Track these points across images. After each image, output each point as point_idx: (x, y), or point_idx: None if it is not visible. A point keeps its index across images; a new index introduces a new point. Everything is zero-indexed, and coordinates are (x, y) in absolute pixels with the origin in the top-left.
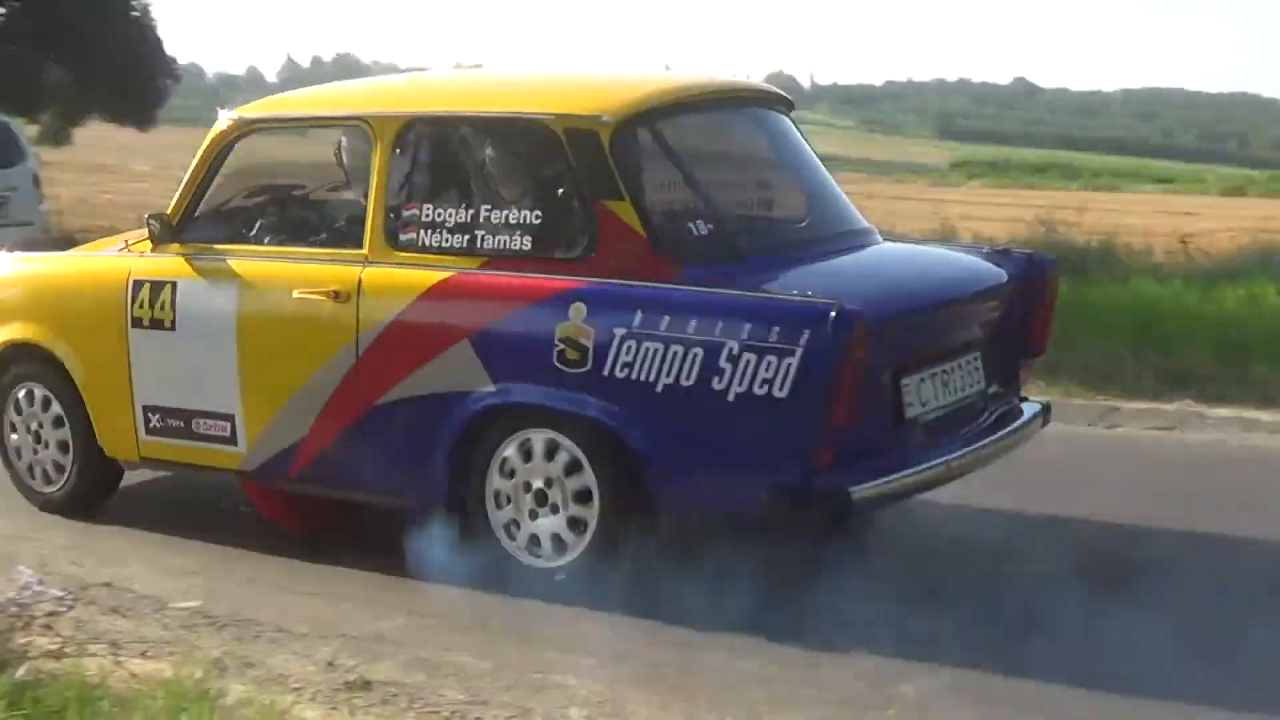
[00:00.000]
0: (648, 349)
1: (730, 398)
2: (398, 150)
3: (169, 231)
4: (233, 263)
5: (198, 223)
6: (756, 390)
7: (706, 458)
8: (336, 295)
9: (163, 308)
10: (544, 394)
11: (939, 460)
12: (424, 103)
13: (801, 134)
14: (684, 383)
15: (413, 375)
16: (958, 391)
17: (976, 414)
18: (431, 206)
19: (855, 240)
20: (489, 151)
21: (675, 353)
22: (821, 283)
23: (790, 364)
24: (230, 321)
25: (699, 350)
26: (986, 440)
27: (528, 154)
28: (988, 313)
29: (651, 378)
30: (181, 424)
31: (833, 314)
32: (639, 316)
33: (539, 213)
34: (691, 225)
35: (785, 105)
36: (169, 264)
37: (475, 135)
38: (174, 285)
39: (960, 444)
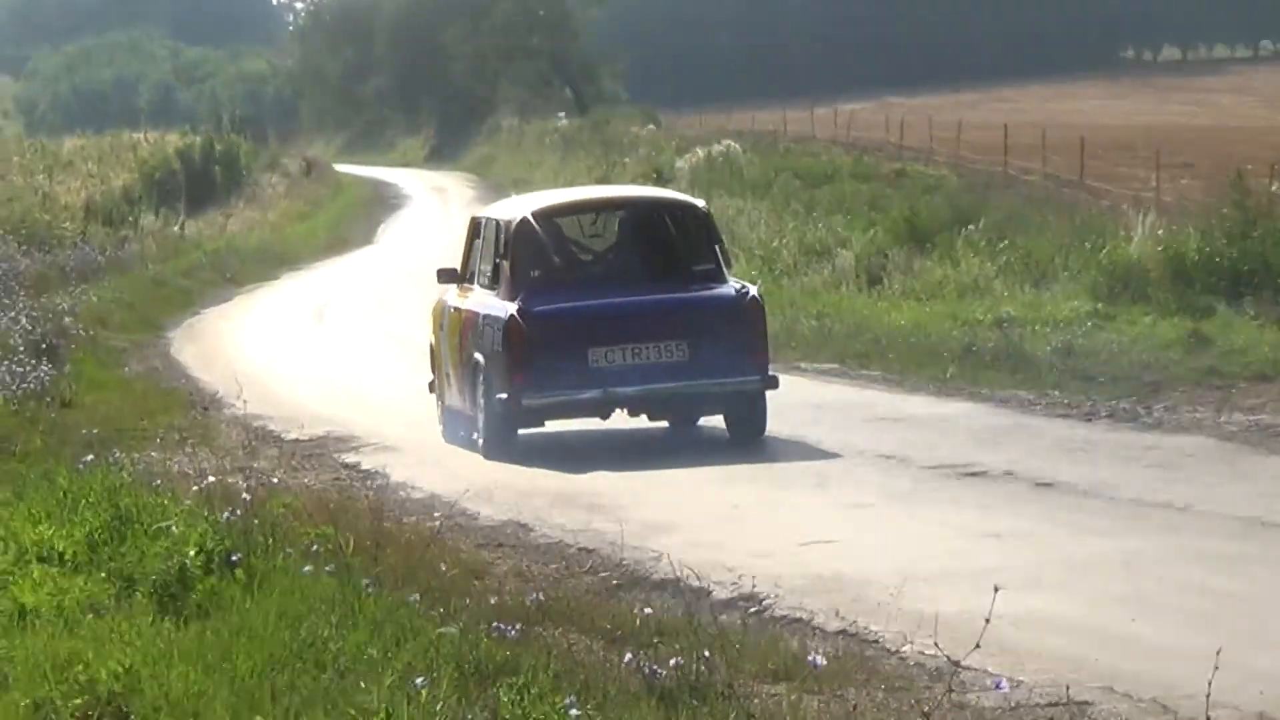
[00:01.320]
0: (484, 328)
1: (491, 350)
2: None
3: (448, 278)
4: (455, 293)
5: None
6: (496, 347)
7: (490, 378)
8: (457, 309)
9: (443, 314)
10: (479, 351)
11: (600, 390)
12: (493, 213)
13: (657, 222)
14: (487, 344)
15: (467, 343)
16: (650, 359)
17: (662, 374)
18: (484, 267)
19: (639, 281)
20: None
21: (486, 329)
22: (552, 299)
23: (498, 334)
24: (445, 320)
25: (488, 328)
26: (657, 385)
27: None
28: (687, 322)
29: (483, 341)
30: (445, 378)
31: (510, 312)
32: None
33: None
34: (530, 272)
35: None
36: (453, 295)
37: (484, 229)
38: (446, 304)
39: (632, 386)
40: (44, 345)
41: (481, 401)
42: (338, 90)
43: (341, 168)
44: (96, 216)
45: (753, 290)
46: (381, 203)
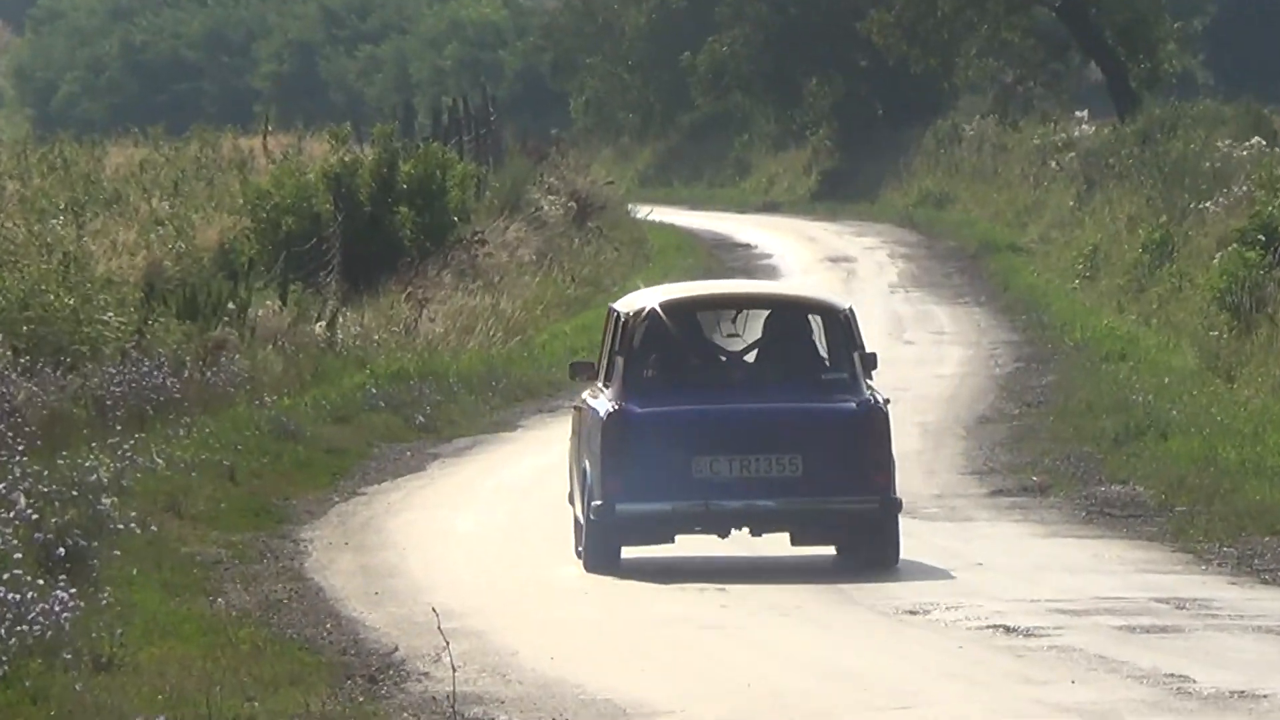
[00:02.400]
0: (591, 429)
1: (592, 453)
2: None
3: (583, 373)
4: (589, 391)
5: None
6: (595, 449)
7: (592, 484)
8: (578, 409)
9: (574, 416)
10: (587, 455)
11: (702, 502)
12: (622, 304)
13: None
14: (593, 447)
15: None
16: (760, 472)
17: (772, 490)
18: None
19: (763, 386)
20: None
21: (593, 429)
22: (660, 400)
23: (598, 435)
24: (573, 421)
25: (594, 429)
26: (765, 501)
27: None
28: (802, 435)
29: (591, 444)
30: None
31: (609, 413)
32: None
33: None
34: (645, 371)
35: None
36: (588, 394)
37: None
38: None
39: (737, 500)
40: (61, 550)
41: (586, 510)
42: (643, 61)
43: (650, 211)
44: (167, 302)
45: (879, 402)
46: None
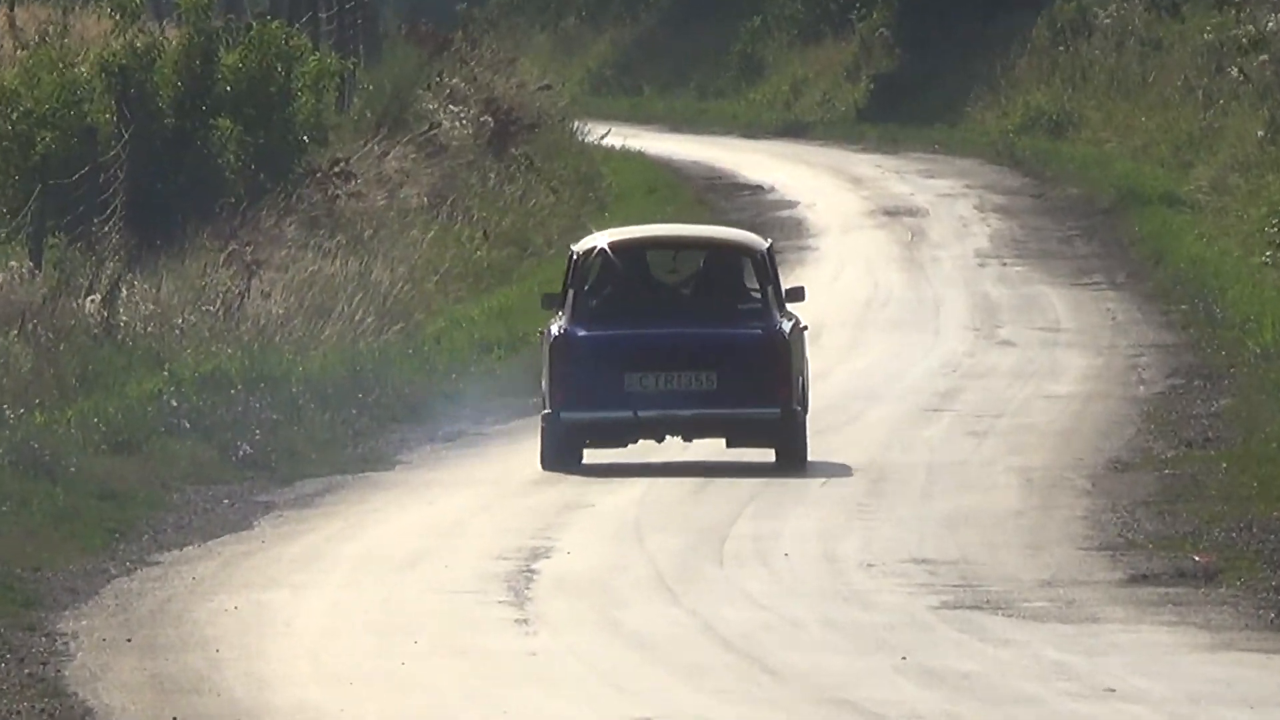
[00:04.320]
0: (545, 350)
1: (546, 370)
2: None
3: (551, 304)
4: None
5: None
6: (547, 366)
7: (544, 397)
8: (541, 334)
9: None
10: (544, 372)
11: (631, 411)
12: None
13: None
14: (545, 365)
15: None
16: (681, 386)
17: (690, 401)
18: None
19: (690, 314)
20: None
21: (546, 350)
22: (600, 325)
23: (548, 355)
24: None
25: (546, 350)
26: (684, 411)
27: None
28: (716, 355)
29: (545, 363)
30: None
31: (556, 335)
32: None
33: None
34: (590, 301)
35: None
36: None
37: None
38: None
39: (661, 410)
40: None
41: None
42: None
43: (607, 133)
44: None
45: (783, 328)
46: None
